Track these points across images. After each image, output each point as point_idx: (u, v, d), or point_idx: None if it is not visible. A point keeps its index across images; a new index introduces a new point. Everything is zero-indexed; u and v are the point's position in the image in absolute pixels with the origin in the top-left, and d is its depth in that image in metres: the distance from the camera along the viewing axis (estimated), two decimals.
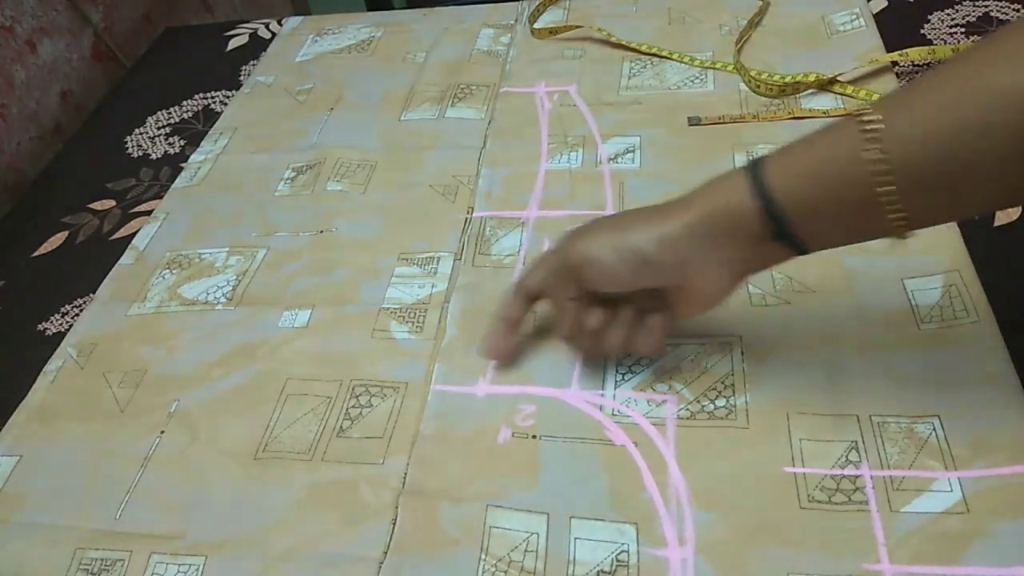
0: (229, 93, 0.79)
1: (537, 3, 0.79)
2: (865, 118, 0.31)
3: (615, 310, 0.43)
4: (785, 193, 0.34)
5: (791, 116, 0.61)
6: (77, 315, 0.58)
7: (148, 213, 0.66)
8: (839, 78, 0.63)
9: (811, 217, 0.34)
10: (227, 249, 0.60)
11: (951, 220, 0.37)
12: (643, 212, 0.40)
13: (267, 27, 0.87)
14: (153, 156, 0.73)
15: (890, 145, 0.31)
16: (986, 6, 0.69)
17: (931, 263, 0.48)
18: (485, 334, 0.47)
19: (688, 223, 0.37)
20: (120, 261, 0.61)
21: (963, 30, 0.67)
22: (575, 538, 0.40)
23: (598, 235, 0.41)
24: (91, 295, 0.59)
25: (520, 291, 0.45)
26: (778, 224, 0.35)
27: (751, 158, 0.37)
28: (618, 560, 0.39)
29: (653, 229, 0.38)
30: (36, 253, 0.65)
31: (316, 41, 0.82)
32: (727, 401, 0.44)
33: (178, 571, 0.42)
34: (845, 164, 0.32)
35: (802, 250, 0.36)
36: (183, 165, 0.70)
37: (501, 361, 0.47)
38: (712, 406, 0.44)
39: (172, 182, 0.68)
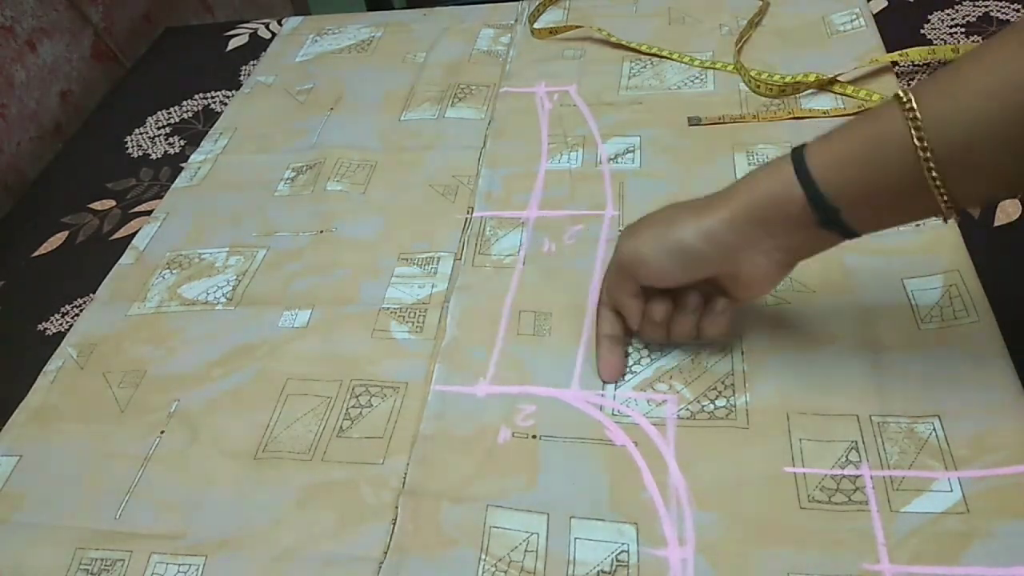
0: (229, 93, 0.79)
1: (537, 3, 0.79)
2: (908, 104, 0.32)
3: (681, 299, 0.44)
4: (830, 181, 0.35)
5: (791, 116, 0.61)
6: (77, 315, 0.58)
7: (148, 213, 0.66)
8: (839, 78, 0.63)
9: (857, 203, 0.35)
10: (227, 249, 0.60)
11: (992, 200, 0.37)
12: (689, 206, 0.41)
13: (267, 27, 0.87)
14: (153, 156, 0.73)
15: (932, 128, 0.31)
16: (986, 6, 0.69)
17: (931, 263, 0.48)
18: (599, 357, 0.47)
19: (732, 215, 0.38)
20: (120, 261, 0.61)
21: (963, 30, 0.67)
22: (575, 538, 0.40)
23: (645, 233, 0.41)
24: (91, 295, 0.59)
25: (601, 305, 0.47)
26: (824, 212, 0.35)
27: (792, 147, 0.36)
28: (618, 560, 0.39)
29: (698, 223, 0.39)
30: (36, 253, 0.65)
31: (316, 41, 0.82)
32: (727, 401, 0.44)
33: (178, 571, 0.42)
34: (890, 150, 0.32)
35: (850, 234, 0.36)
36: (183, 165, 0.70)
37: (619, 376, 0.47)
38: (712, 406, 0.44)
39: (172, 182, 0.68)
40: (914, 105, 0.31)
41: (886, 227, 0.37)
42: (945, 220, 0.34)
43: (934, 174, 0.31)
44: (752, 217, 0.38)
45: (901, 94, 0.32)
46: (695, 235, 0.39)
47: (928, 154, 0.31)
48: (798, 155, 0.36)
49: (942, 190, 0.32)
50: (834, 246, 0.38)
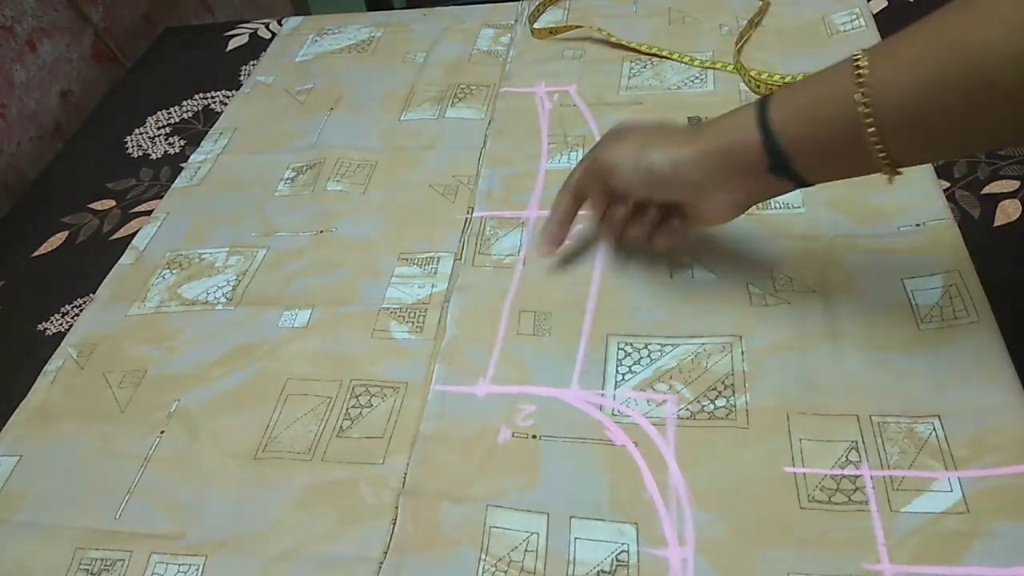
0: (229, 93, 0.79)
1: (537, 3, 0.79)
2: (857, 62, 0.34)
3: (642, 208, 0.47)
4: (785, 131, 0.37)
5: None
6: (77, 315, 0.58)
7: (148, 213, 0.66)
8: None
9: (807, 153, 0.37)
10: (227, 249, 0.60)
11: (933, 160, 0.40)
12: (666, 132, 0.44)
13: (267, 27, 0.87)
14: (153, 156, 0.73)
15: (874, 89, 0.33)
16: None
17: (931, 263, 0.48)
18: (541, 230, 0.52)
19: (700, 152, 0.41)
20: (120, 261, 0.61)
21: None
22: (575, 538, 0.40)
23: (624, 146, 0.45)
24: (91, 295, 0.59)
25: (566, 189, 0.50)
26: (776, 159, 0.37)
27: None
28: (618, 560, 0.39)
29: (670, 151, 0.42)
30: (36, 253, 0.65)
31: (316, 41, 0.82)
32: (727, 401, 0.44)
33: (178, 571, 0.42)
34: (837, 104, 0.34)
35: (801, 183, 0.39)
36: (183, 165, 0.70)
37: (552, 251, 0.52)
38: (712, 406, 0.44)
39: (172, 182, 0.68)
40: (863, 67, 0.33)
41: (833, 179, 0.38)
42: (889, 179, 0.35)
43: (872, 133, 0.33)
44: (716, 158, 0.40)
45: (858, 54, 0.34)
46: (664, 162, 0.42)
47: (869, 113, 0.33)
48: (762, 104, 0.38)
49: (880, 149, 0.34)
50: (787, 192, 0.40)
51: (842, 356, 0.45)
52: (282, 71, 0.79)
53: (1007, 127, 0.32)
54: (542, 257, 0.53)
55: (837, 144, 0.35)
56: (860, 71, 0.33)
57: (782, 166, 0.38)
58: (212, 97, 0.79)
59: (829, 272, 0.49)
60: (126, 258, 0.61)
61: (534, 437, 0.44)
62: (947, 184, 0.54)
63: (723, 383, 0.45)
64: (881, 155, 0.34)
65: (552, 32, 0.76)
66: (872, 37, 0.67)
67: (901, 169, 0.35)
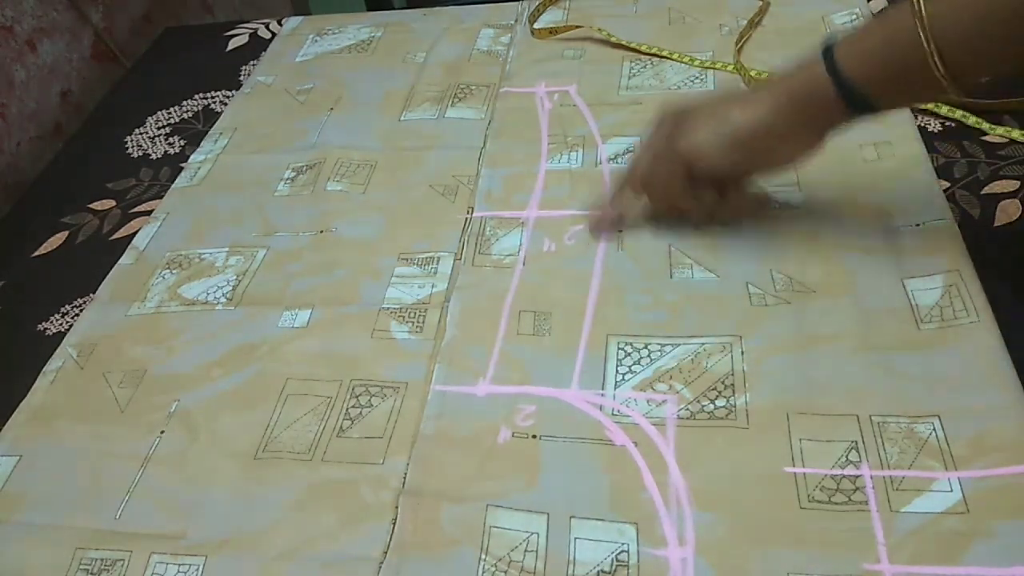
0: (229, 93, 0.79)
1: (537, 3, 0.79)
2: (918, 6, 0.38)
3: (700, 189, 0.50)
4: (856, 73, 0.41)
5: None
6: (77, 315, 0.58)
7: (148, 213, 0.66)
8: None
9: (879, 89, 0.42)
10: (227, 249, 0.60)
11: (994, 75, 0.44)
12: (734, 100, 0.47)
13: (267, 27, 0.87)
14: (153, 156, 0.73)
15: (937, 28, 0.38)
16: None
17: (931, 263, 0.48)
18: (593, 218, 0.55)
19: (775, 107, 0.45)
20: (120, 261, 0.61)
21: None
22: (575, 538, 0.40)
23: (702, 127, 0.47)
24: (91, 295, 0.59)
25: (632, 185, 0.52)
26: (852, 97, 0.42)
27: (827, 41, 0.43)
28: (618, 560, 0.39)
29: (747, 114, 0.45)
30: (36, 253, 0.65)
31: (316, 41, 0.82)
32: (727, 401, 0.44)
33: (178, 571, 0.42)
34: (904, 45, 0.39)
35: (875, 111, 0.43)
36: (183, 165, 0.70)
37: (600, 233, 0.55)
38: (712, 406, 0.44)
39: (172, 182, 0.68)
40: (922, 7, 0.38)
41: (906, 105, 0.46)
42: (958, 97, 0.41)
43: (938, 63, 0.38)
44: (792, 109, 0.44)
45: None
46: (746, 125, 0.45)
47: (932, 47, 0.38)
48: (828, 53, 0.42)
49: (944, 77, 0.38)
50: (860, 118, 0.44)
51: (842, 356, 0.45)
52: (282, 71, 0.79)
53: None
54: (593, 240, 0.55)
55: (907, 78, 0.40)
56: (919, 12, 0.38)
57: (859, 103, 0.42)
58: (212, 97, 0.79)
59: (829, 272, 0.49)
60: (126, 258, 0.61)
61: (534, 437, 0.44)
62: (947, 184, 0.54)
63: (723, 383, 0.45)
64: (946, 81, 0.38)
65: (552, 32, 0.76)
66: None
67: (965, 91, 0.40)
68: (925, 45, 0.37)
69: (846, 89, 0.42)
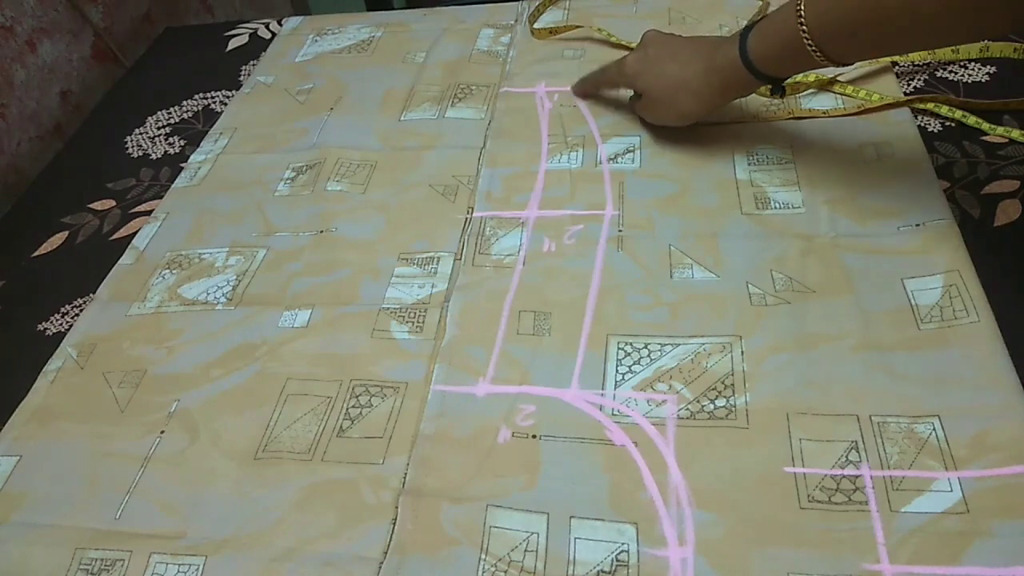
0: (229, 93, 0.79)
1: (537, 3, 0.79)
2: (799, 6, 0.47)
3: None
4: (756, 56, 0.51)
5: (791, 116, 0.61)
6: (77, 315, 0.58)
7: (148, 213, 0.66)
8: (839, 78, 0.63)
9: (773, 68, 0.52)
10: (227, 249, 0.60)
11: (867, 59, 0.56)
12: (691, 53, 0.57)
13: (267, 27, 0.87)
14: (153, 156, 0.73)
15: (813, 21, 0.47)
16: None
17: (931, 263, 0.48)
18: (576, 87, 0.68)
19: (713, 67, 0.54)
20: (120, 261, 0.61)
21: None
22: (575, 538, 0.40)
23: (663, 74, 0.58)
24: (91, 295, 0.59)
25: (582, 85, 0.67)
26: (756, 74, 0.52)
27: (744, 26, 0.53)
28: (618, 560, 0.39)
29: (701, 69, 0.55)
30: (36, 253, 0.65)
31: (316, 41, 0.82)
32: (727, 401, 0.44)
33: (178, 571, 0.42)
34: (789, 33, 0.48)
35: (770, 82, 0.53)
36: (183, 165, 0.70)
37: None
38: (712, 406, 0.44)
39: (172, 182, 0.68)
40: (802, 7, 0.47)
41: (788, 75, 0.54)
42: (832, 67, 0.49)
43: (812, 47, 0.47)
44: (719, 79, 0.54)
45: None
46: (698, 78, 0.56)
47: (808, 37, 0.47)
48: (744, 36, 0.52)
49: (818, 55, 0.47)
50: (757, 88, 0.55)
51: (842, 356, 0.45)
52: (282, 71, 0.79)
53: (921, 39, 0.47)
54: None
55: (795, 57, 0.49)
56: (799, 10, 0.47)
57: (761, 76, 0.52)
58: (212, 97, 0.79)
59: (829, 272, 0.49)
60: (126, 258, 0.61)
61: (534, 437, 0.44)
62: (947, 184, 0.54)
63: (723, 383, 0.45)
64: (821, 59, 0.48)
65: (552, 32, 0.76)
66: None
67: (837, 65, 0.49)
68: (804, 37, 0.47)
69: (752, 67, 0.52)
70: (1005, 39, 0.64)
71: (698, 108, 0.57)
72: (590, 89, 0.67)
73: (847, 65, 0.50)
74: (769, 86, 0.55)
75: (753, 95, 0.64)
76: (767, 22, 0.51)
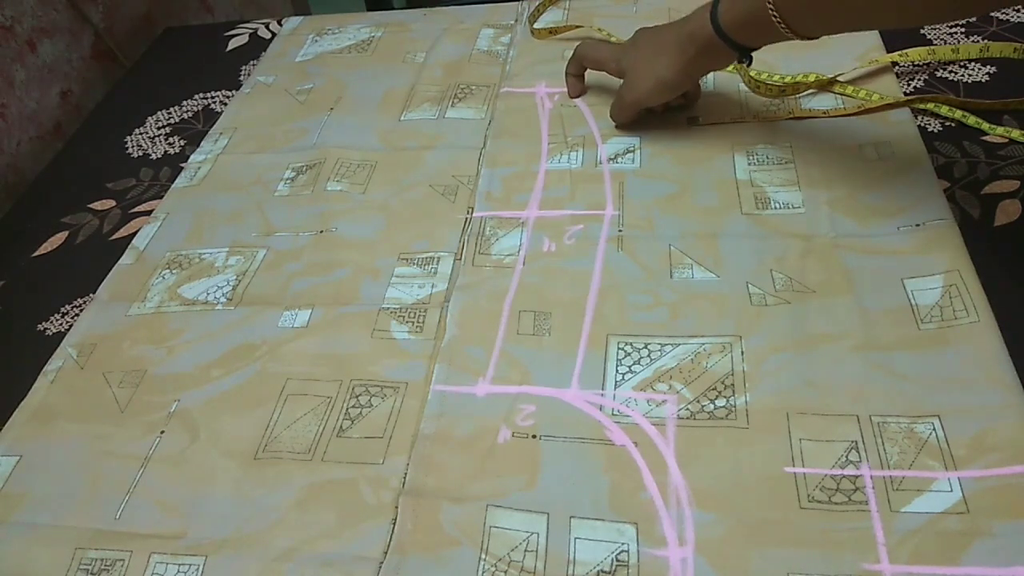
0: (229, 93, 0.79)
1: (537, 3, 0.79)
2: None
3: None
4: (728, 27, 0.52)
5: (791, 116, 0.61)
6: (77, 315, 0.58)
7: (148, 213, 0.66)
8: (839, 78, 0.63)
9: (742, 37, 0.53)
10: (227, 249, 0.60)
11: (834, 33, 0.54)
12: (668, 28, 0.58)
13: (267, 27, 0.87)
14: (153, 156, 0.73)
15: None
16: None
17: (931, 263, 0.48)
18: (567, 84, 0.69)
19: (686, 32, 0.55)
20: (120, 261, 0.61)
21: (963, 30, 0.67)
22: (575, 538, 0.40)
23: (643, 47, 0.59)
24: (91, 295, 0.59)
25: (575, 60, 0.67)
26: (729, 43, 0.53)
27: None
28: (618, 560, 0.39)
29: (675, 37, 0.56)
30: (36, 253, 0.65)
31: (316, 41, 0.82)
32: (727, 401, 0.44)
33: (178, 571, 0.42)
34: (758, 9, 0.49)
35: (740, 50, 0.54)
36: (183, 165, 0.70)
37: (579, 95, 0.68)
38: (712, 406, 0.44)
39: (172, 182, 0.68)
40: None
41: (760, 46, 0.54)
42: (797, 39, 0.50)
43: (778, 21, 0.48)
44: (696, 59, 0.56)
45: None
46: (673, 71, 0.57)
47: (773, 10, 0.48)
48: (714, 10, 0.53)
49: (783, 28, 0.48)
50: (731, 61, 0.56)
51: (842, 356, 0.45)
52: (282, 71, 0.79)
53: (885, 13, 0.47)
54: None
55: (765, 30, 0.50)
56: None
57: (733, 46, 0.53)
58: (212, 97, 0.79)
59: (829, 272, 0.49)
60: (126, 258, 0.61)
61: (534, 437, 0.44)
62: (947, 184, 0.54)
63: (723, 383, 0.45)
64: (787, 32, 0.49)
65: (552, 32, 0.76)
66: (872, 37, 0.67)
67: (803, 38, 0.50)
68: (769, 9, 0.48)
69: (722, 34, 0.53)
70: (1003, 39, 0.64)
71: (673, 75, 0.57)
72: (574, 70, 0.68)
73: (813, 39, 0.50)
74: (740, 56, 0.55)
75: (755, 97, 0.65)
76: None
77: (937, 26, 0.68)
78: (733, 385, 0.45)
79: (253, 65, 0.82)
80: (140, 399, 0.50)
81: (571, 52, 0.73)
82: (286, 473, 0.45)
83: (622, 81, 0.61)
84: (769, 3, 0.48)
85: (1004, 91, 0.60)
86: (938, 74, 0.64)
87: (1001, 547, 0.37)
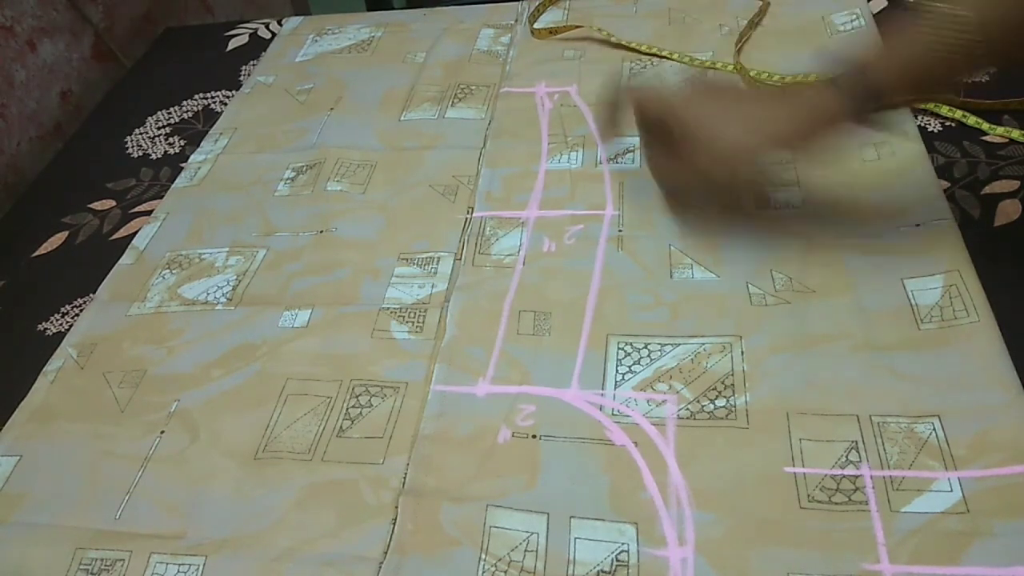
0: (229, 93, 0.79)
1: (537, 3, 0.79)
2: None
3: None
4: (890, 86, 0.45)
5: None
6: (77, 315, 0.58)
7: (148, 213, 0.66)
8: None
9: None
10: (227, 249, 0.60)
11: None
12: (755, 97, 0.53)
13: (267, 27, 0.87)
14: (153, 156, 0.73)
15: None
16: None
17: (931, 263, 0.48)
18: (601, 131, 0.62)
19: (800, 101, 0.47)
20: (120, 261, 0.61)
21: None
22: (575, 538, 0.40)
23: (721, 108, 0.48)
24: (91, 295, 0.59)
25: (626, 99, 0.54)
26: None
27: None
28: (618, 560, 0.39)
29: (778, 104, 0.48)
30: (36, 253, 0.65)
31: (316, 41, 0.82)
32: (727, 401, 0.44)
33: (178, 571, 0.42)
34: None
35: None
36: (183, 165, 0.70)
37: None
38: (712, 406, 0.44)
39: (172, 182, 0.68)
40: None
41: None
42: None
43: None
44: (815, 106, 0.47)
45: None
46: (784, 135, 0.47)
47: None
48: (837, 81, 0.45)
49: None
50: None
51: (842, 356, 0.45)
52: (282, 71, 0.79)
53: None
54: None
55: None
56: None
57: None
58: (212, 97, 0.79)
59: (829, 272, 0.49)
60: (126, 258, 0.61)
61: (534, 437, 0.44)
62: (947, 184, 0.54)
63: (723, 383, 0.45)
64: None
65: (552, 32, 0.76)
66: (872, 37, 0.67)
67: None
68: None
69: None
70: None
71: (771, 144, 0.48)
72: (611, 114, 0.56)
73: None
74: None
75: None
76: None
77: None
78: (733, 385, 0.45)
79: (253, 65, 0.82)
80: (140, 399, 0.50)
81: (571, 52, 0.73)
82: (286, 473, 0.45)
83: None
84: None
85: (1004, 91, 0.60)
86: None
87: (1001, 547, 0.37)
